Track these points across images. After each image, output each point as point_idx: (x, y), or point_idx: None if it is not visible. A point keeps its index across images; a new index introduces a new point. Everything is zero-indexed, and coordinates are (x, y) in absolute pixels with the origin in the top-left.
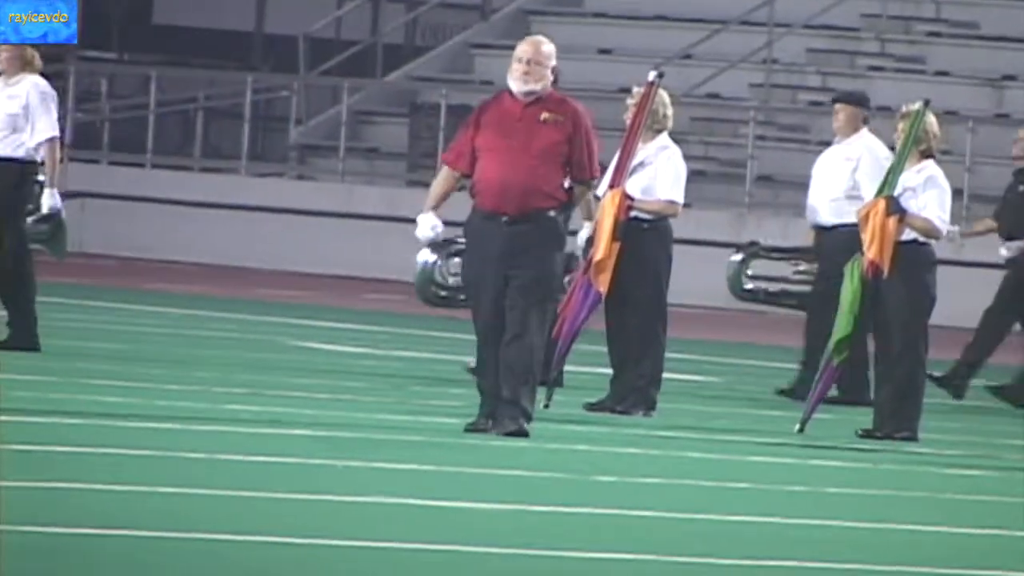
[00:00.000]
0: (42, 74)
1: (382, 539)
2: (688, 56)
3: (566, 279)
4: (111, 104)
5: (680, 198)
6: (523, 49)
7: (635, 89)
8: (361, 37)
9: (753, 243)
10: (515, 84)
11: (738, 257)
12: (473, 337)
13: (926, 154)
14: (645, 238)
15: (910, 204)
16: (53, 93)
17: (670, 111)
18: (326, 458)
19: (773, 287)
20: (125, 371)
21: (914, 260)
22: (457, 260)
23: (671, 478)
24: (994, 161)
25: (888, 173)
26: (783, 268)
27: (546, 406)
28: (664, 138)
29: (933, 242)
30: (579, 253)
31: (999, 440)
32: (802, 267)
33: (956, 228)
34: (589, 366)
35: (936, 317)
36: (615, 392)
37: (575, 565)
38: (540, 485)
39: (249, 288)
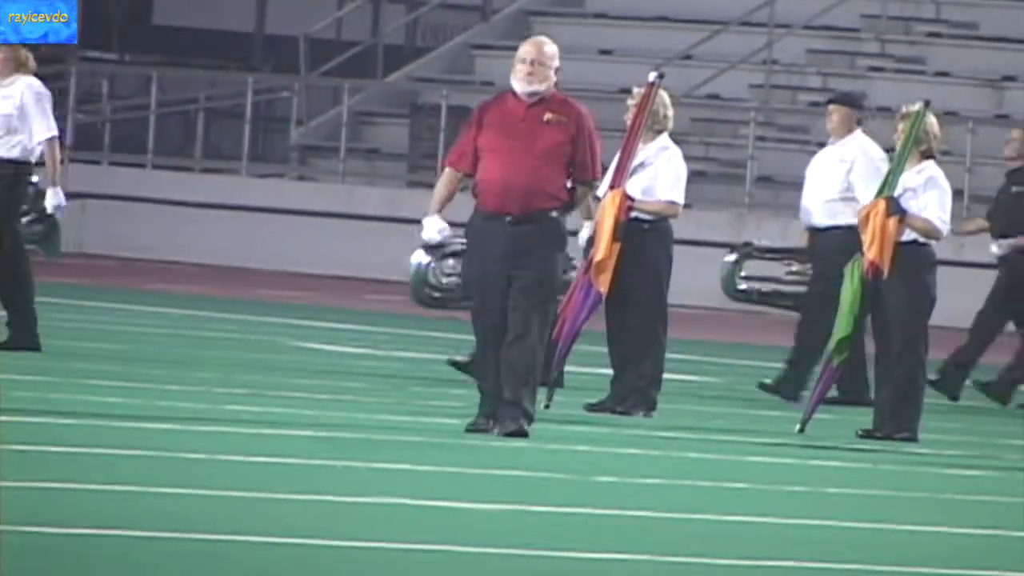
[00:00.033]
0: (40, 75)
1: (382, 539)
2: (688, 57)
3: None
4: (112, 105)
5: (680, 199)
6: (526, 50)
7: (635, 90)
8: (362, 38)
9: (747, 243)
10: (519, 85)
11: (732, 257)
12: (473, 338)
13: (926, 155)
14: (645, 239)
15: (910, 205)
16: (48, 93)
17: (670, 112)
18: (326, 459)
19: (766, 287)
20: (125, 372)
21: (914, 261)
22: (451, 262)
23: (671, 478)
24: (994, 162)
25: (888, 174)
26: (777, 269)
27: (547, 407)
28: (664, 139)
29: (933, 243)
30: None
31: (999, 440)
32: (794, 268)
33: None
34: (589, 367)
35: (936, 317)
36: (615, 393)
37: (575, 565)
38: (540, 485)
39: (250, 289)
